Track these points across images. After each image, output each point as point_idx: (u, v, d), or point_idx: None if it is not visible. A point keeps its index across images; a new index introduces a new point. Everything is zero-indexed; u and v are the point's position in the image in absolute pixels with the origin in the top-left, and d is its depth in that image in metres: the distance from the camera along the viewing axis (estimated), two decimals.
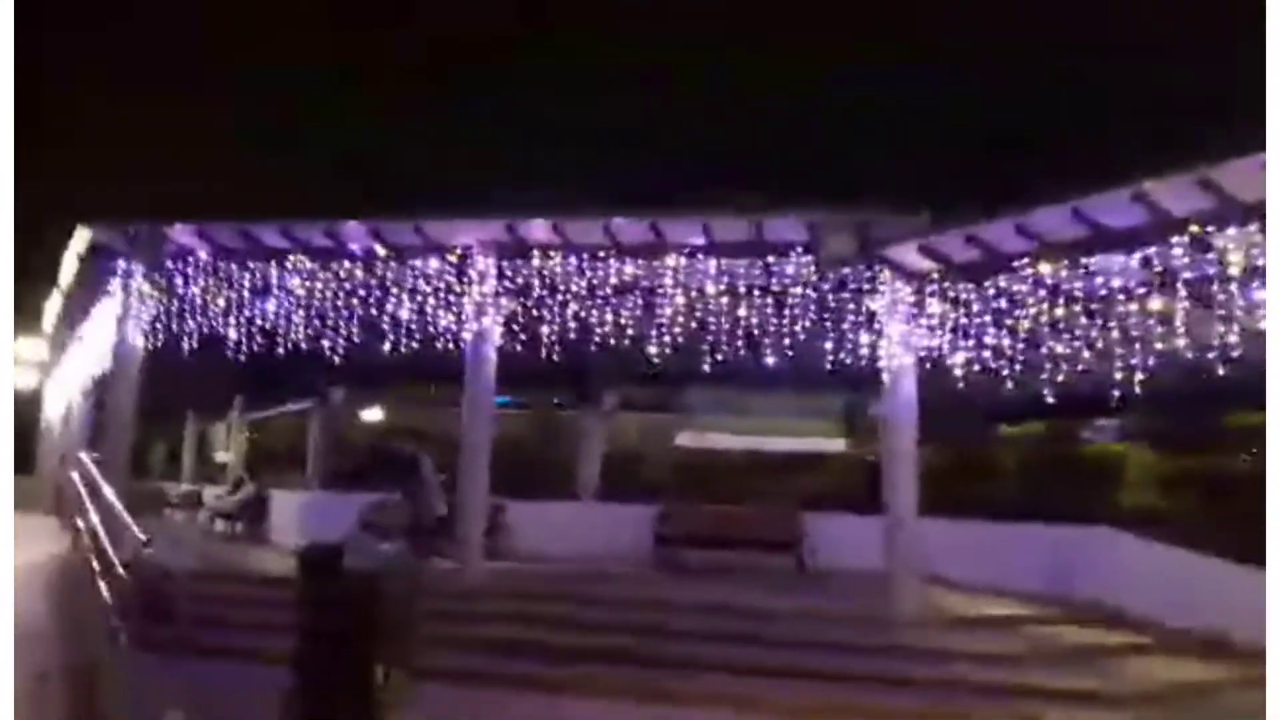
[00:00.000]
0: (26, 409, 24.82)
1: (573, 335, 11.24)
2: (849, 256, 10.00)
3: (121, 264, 12.07)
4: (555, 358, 11.76)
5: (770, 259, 10.37)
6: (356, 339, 12.28)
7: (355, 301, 11.94)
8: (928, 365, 9.94)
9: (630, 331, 11.03)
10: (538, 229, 10.98)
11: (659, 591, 11.08)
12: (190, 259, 12.04)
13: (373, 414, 19.37)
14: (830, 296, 10.29)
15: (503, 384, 11.60)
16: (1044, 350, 9.46)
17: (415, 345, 11.87)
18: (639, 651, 8.64)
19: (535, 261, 11.19)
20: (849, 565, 12.28)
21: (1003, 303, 9.17)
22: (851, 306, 10.27)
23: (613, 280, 11.06)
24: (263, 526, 17.05)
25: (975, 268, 9.34)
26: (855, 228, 9.95)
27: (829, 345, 10.37)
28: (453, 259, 11.43)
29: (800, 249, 10.30)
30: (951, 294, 9.55)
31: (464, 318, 11.35)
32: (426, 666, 6.58)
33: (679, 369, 12.41)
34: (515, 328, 11.45)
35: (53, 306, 16.42)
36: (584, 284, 11.07)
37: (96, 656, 7.72)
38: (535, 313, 11.37)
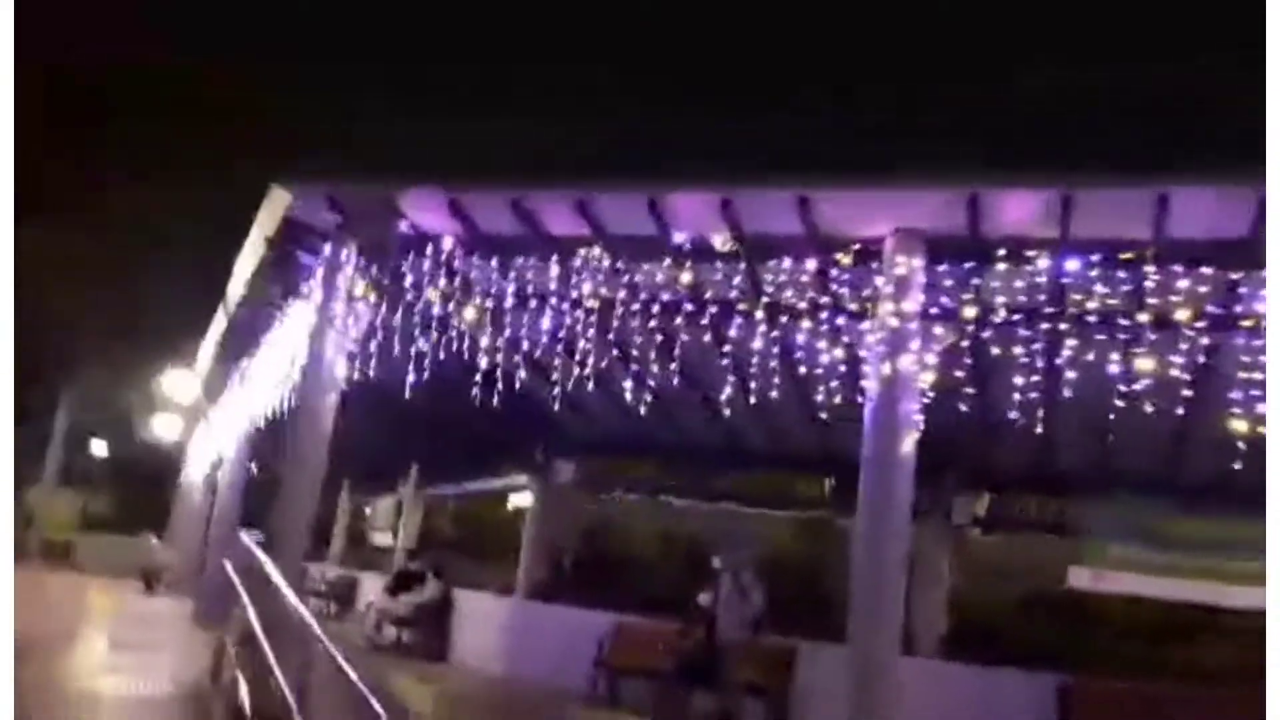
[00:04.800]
0: (167, 463, 21.64)
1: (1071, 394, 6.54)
2: None
3: (327, 251, 8.19)
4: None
5: None
6: (661, 381, 8.02)
7: (676, 322, 7.64)
8: None
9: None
10: (1018, 204, 6.49)
11: None
12: (431, 247, 8.04)
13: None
14: None
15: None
16: None
17: (768, 394, 7.46)
18: None
19: (1002, 265, 6.66)
20: None
21: None
22: None
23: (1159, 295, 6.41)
24: (443, 639, 12.76)
25: None
26: None
27: None
28: (845, 259, 7.04)
29: None
30: None
31: (865, 355, 6.88)
32: None
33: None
34: (951, 373, 6.89)
35: (214, 327, 12.73)
36: (1109, 302, 6.45)
37: None
38: (986, 350, 6.81)
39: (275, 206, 8.34)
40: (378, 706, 3.04)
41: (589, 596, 12.12)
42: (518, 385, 8.96)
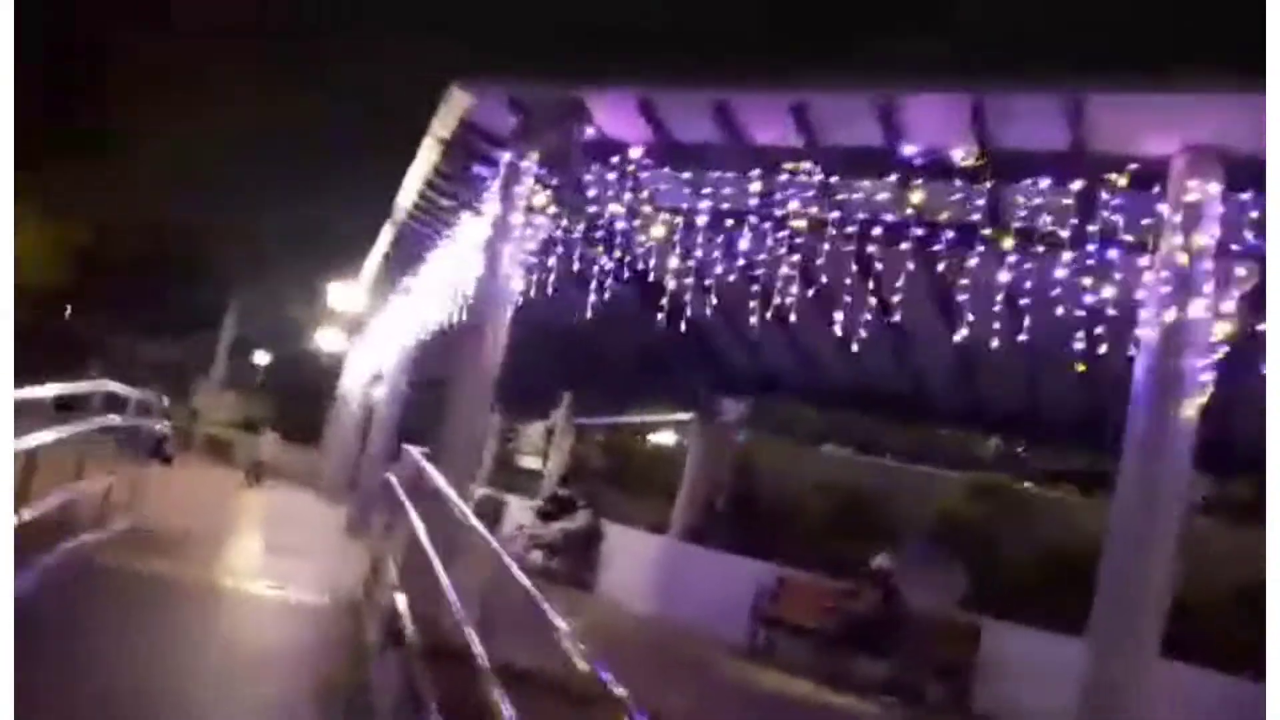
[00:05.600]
0: (326, 373, 22.04)
1: None
2: None
3: (506, 158, 7.50)
4: None
5: None
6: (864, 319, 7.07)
7: (903, 248, 6.63)
8: None
9: None
10: None
11: None
12: (617, 157, 7.24)
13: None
14: None
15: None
16: None
17: (1015, 338, 6.42)
18: None
19: None
20: None
21: None
22: None
23: None
24: (590, 570, 12.37)
25: None
26: None
27: None
28: (1120, 181, 5.84)
29: None
30: None
31: (1140, 297, 5.72)
32: None
33: None
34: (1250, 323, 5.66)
35: (381, 239, 12.38)
36: None
37: None
38: None
39: (453, 109, 7.68)
40: (559, 622, 2.72)
41: (743, 543, 11.45)
42: (694, 314, 8.18)
